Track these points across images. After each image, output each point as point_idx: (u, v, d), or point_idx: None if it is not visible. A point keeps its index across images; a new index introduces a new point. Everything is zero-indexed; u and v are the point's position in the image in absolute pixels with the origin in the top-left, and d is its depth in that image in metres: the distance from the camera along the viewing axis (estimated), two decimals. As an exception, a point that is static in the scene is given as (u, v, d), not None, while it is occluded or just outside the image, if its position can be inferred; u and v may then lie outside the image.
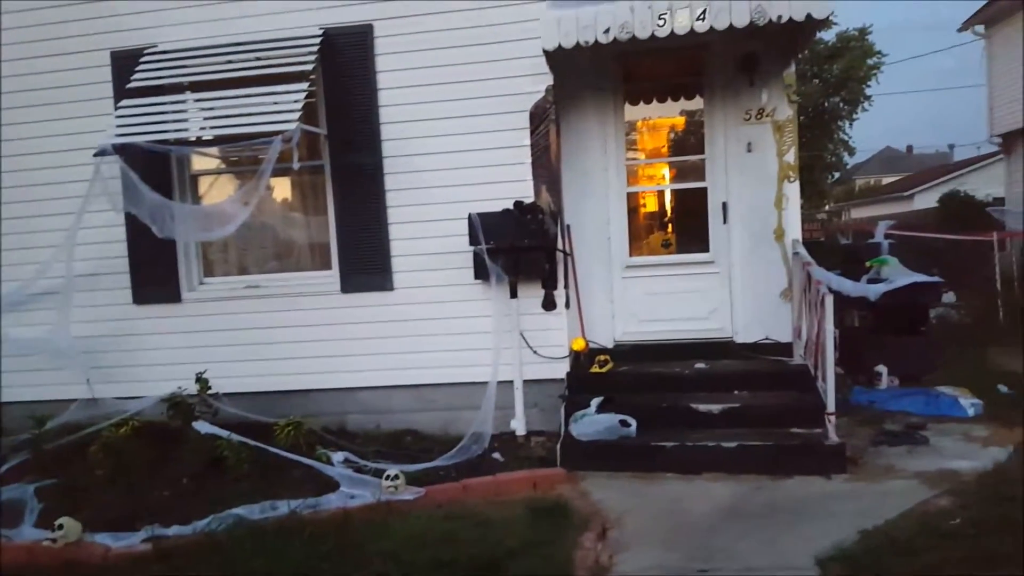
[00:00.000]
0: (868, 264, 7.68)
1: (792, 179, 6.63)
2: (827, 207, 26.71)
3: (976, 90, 19.13)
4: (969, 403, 6.59)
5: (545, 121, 6.16)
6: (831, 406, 5.48)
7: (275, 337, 6.56)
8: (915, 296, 7.33)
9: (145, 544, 4.64)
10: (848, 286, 6.72)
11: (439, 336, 6.38)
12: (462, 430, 5.95)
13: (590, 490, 5.25)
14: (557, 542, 4.38)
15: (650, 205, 7.31)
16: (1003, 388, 7.11)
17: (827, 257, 9.03)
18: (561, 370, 6.33)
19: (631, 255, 6.92)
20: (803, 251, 6.29)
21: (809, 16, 5.45)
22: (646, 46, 5.81)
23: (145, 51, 6.44)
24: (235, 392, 6.25)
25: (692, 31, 5.55)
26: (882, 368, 7.33)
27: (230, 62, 6.11)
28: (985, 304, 10.79)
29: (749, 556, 4.16)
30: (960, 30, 18.41)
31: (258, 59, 6.07)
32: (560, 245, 6.32)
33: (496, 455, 5.83)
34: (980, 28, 17.89)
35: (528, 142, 6.19)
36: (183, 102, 6.10)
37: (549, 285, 6.28)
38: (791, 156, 6.63)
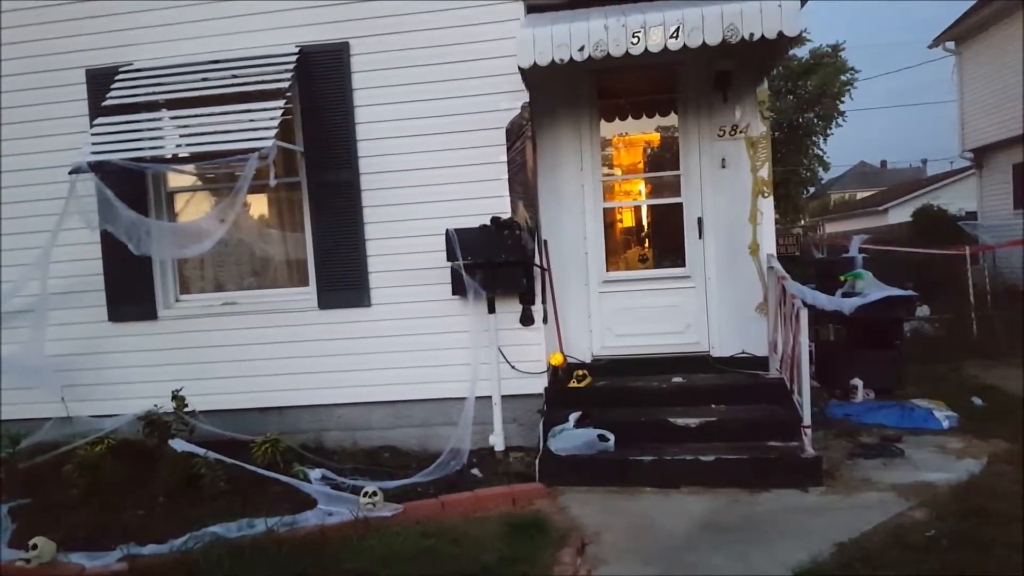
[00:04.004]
0: (842, 278, 7.75)
1: (766, 194, 6.70)
2: (802, 222, 26.98)
3: (947, 106, 19.45)
4: (944, 416, 6.65)
5: (521, 137, 6.21)
6: (807, 419, 5.52)
7: (252, 354, 6.54)
8: (889, 310, 7.40)
9: (121, 563, 4.58)
10: (823, 300, 6.77)
11: (417, 352, 6.38)
12: (440, 446, 5.95)
13: (568, 505, 5.25)
14: (535, 558, 4.38)
15: (627, 220, 7.36)
16: (977, 401, 7.20)
17: (802, 271, 9.15)
18: (539, 385, 6.34)
19: (608, 270, 6.96)
20: (778, 265, 6.34)
21: (780, 34, 5.50)
22: (621, 63, 5.86)
23: (120, 69, 6.44)
24: (212, 409, 6.20)
25: (666, 49, 5.58)
26: (858, 381, 7.40)
27: (206, 80, 6.11)
28: (959, 318, 10.93)
29: (726, 569, 4.19)
30: (931, 47, 18.74)
31: (234, 77, 6.08)
32: (537, 260, 6.35)
33: (475, 471, 5.83)
34: (951, 44, 18.21)
35: (505, 158, 6.23)
36: (159, 120, 6.08)
37: (527, 300, 6.30)
38: (765, 172, 6.71)
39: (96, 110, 6.29)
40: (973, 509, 4.66)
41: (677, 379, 6.45)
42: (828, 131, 23.88)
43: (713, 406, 6.13)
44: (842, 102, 23.28)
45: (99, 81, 6.43)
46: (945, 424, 6.57)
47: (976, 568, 3.94)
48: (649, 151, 7.33)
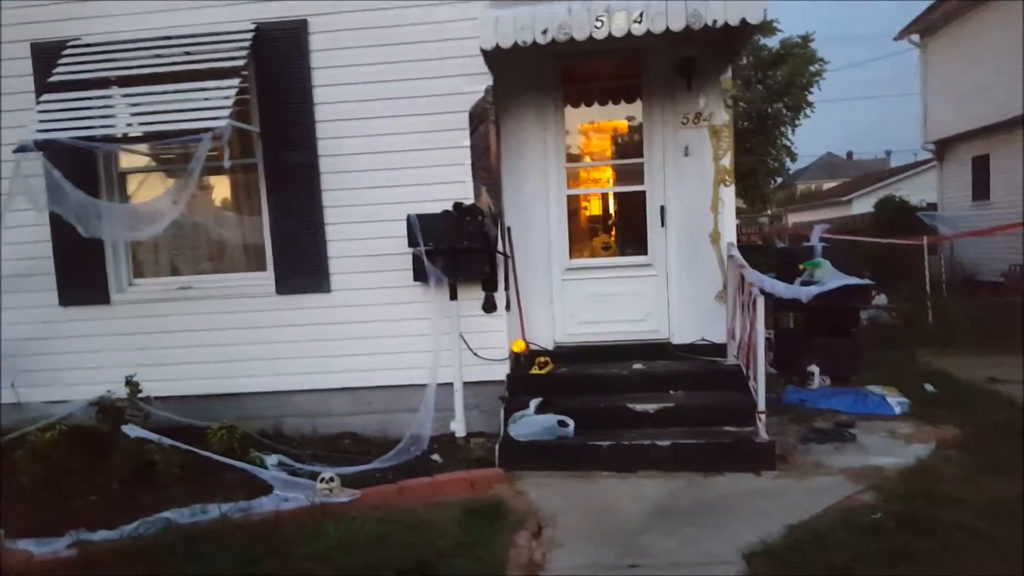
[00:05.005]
0: (801, 267, 7.84)
1: (728, 183, 6.73)
2: (769, 211, 27.35)
3: (912, 98, 19.72)
4: (896, 402, 6.79)
5: (485, 122, 6.16)
6: (762, 405, 5.59)
7: (209, 340, 6.45)
8: (846, 298, 7.49)
9: (70, 550, 4.50)
10: (781, 288, 6.84)
11: (378, 339, 6.34)
12: (401, 432, 5.91)
13: (527, 489, 5.27)
14: (491, 542, 4.38)
15: (591, 208, 7.36)
16: (929, 387, 7.34)
17: (764, 260, 9.24)
18: (501, 372, 6.34)
19: (571, 257, 6.96)
20: (737, 254, 6.39)
21: (744, 21, 5.55)
22: (585, 48, 5.86)
23: (68, 43, 6.23)
24: (167, 396, 6.09)
25: (629, 33, 5.60)
26: (814, 368, 7.50)
27: (158, 56, 5.94)
28: (915, 306, 11.14)
29: (679, 552, 4.24)
30: (896, 39, 18.93)
31: (188, 54, 5.91)
32: (500, 247, 6.33)
33: (435, 457, 5.81)
34: (916, 37, 18.41)
35: (467, 143, 6.17)
36: (109, 97, 5.89)
37: (489, 287, 6.28)
38: (727, 160, 6.73)
39: (43, 86, 6.08)
40: (919, 492, 4.77)
41: (637, 366, 6.49)
42: (796, 122, 24.23)
43: (672, 392, 6.18)
44: (811, 93, 23.60)
45: (45, 56, 6.22)
46: (897, 410, 6.70)
47: (918, 548, 4.01)
48: (613, 138, 7.32)
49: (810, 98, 23.46)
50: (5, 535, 4.61)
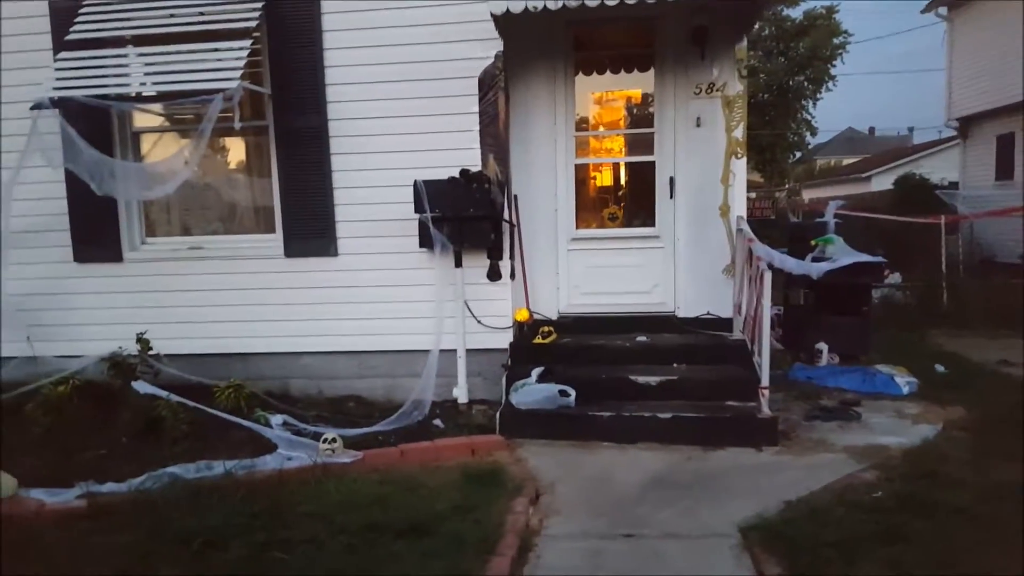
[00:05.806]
0: (813, 243, 7.76)
1: (739, 155, 6.65)
2: (787, 185, 27.01)
3: (937, 74, 19.31)
4: (905, 381, 6.74)
5: (494, 88, 6.11)
6: (765, 380, 5.58)
7: (218, 300, 6.52)
8: (857, 275, 7.40)
9: (80, 500, 4.61)
10: (791, 264, 6.78)
11: (383, 303, 6.38)
12: (404, 397, 5.97)
13: (526, 457, 5.32)
14: (489, 506, 4.43)
15: (599, 178, 7.31)
16: (940, 368, 7.29)
17: (778, 235, 9.15)
18: (504, 340, 6.36)
19: (578, 227, 6.92)
20: (747, 228, 6.33)
21: (759, -9, 5.47)
22: (598, 14, 5.76)
23: (85, 2, 6.21)
24: (177, 354, 6.21)
25: (642, 0, 5.51)
26: (822, 345, 7.46)
27: (173, 16, 5.93)
28: (930, 286, 11.03)
29: (675, 523, 4.27)
30: (924, 11, 18.50)
31: (202, 14, 5.90)
32: (506, 215, 6.31)
33: (437, 422, 5.88)
34: (943, 11, 17.97)
35: (476, 109, 6.13)
36: (124, 56, 5.92)
37: (494, 255, 6.28)
38: (739, 132, 6.64)
39: (59, 44, 6.10)
40: (922, 473, 4.74)
41: (641, 338, 6.48)
42: (818, 95, 23.80)
43: (675, 365, 6.18)
44: (833, 66, 23.15)
45: (63, 14, 6.21)
46: (905, 390, 6.66)
47: (916, 529, 3.99)
48: (624, 108, 7.24)
49: (833, 71, 23.05)
50: (18, 484, 4.71)
